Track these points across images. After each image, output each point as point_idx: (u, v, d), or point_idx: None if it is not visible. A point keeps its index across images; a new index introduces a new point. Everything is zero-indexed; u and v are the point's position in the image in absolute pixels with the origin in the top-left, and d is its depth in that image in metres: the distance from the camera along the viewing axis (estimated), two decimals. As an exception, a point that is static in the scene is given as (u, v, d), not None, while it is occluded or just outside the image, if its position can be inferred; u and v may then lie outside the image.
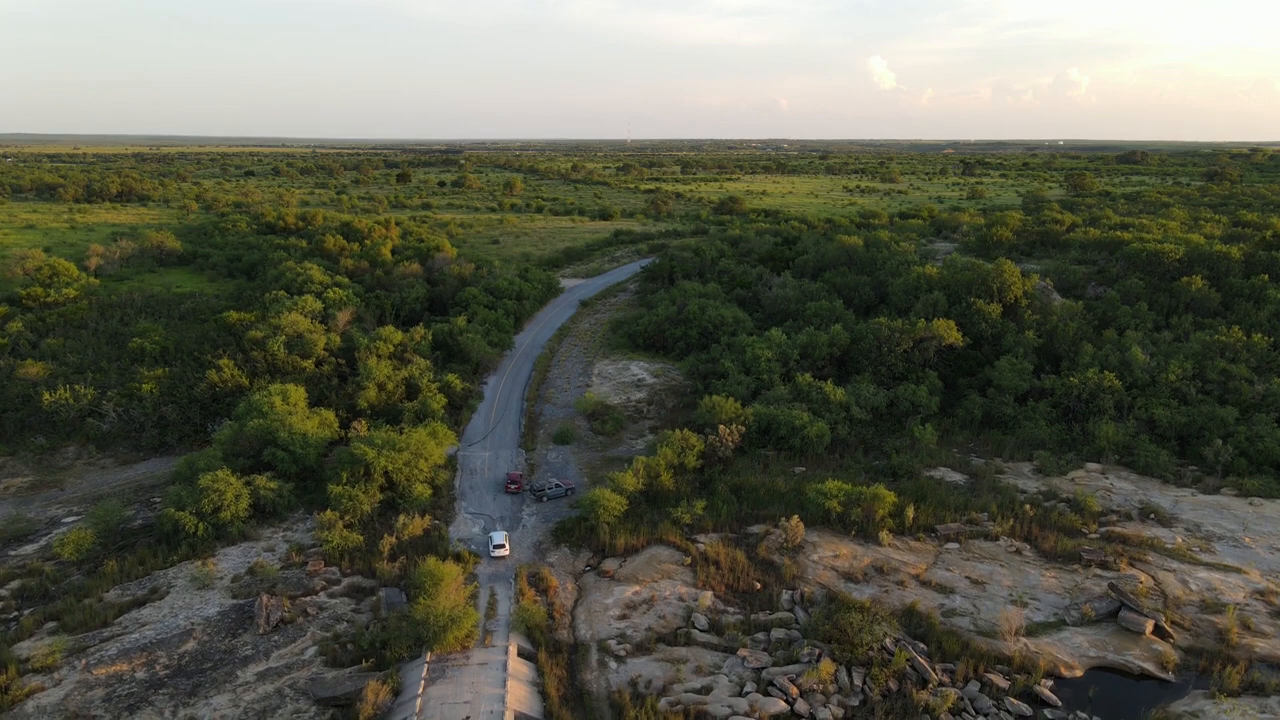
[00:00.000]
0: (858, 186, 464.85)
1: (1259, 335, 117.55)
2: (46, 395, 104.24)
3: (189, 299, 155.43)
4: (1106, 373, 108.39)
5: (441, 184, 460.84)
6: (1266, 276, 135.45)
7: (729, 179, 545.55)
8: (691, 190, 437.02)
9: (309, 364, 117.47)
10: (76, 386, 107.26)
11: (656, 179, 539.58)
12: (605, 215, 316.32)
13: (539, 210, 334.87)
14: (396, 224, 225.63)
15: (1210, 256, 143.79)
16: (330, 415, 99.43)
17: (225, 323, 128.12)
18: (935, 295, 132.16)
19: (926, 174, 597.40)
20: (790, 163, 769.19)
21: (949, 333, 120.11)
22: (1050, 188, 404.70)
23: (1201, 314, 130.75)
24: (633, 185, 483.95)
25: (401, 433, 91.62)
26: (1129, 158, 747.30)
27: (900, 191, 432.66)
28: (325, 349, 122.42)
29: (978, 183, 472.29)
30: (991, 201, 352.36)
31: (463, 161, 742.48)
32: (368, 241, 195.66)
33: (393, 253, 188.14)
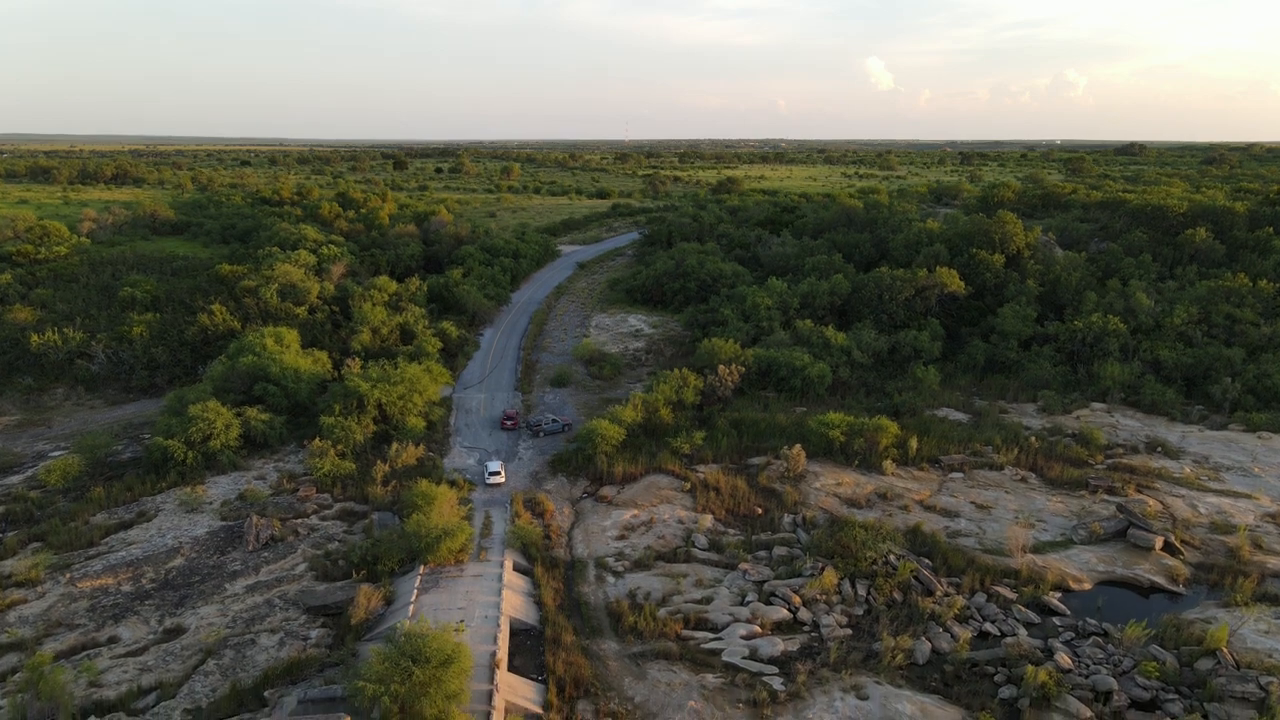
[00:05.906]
0: (856, 173, 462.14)
1: (1265, 281, 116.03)
2: (35, 337, 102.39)
3: (182, 260, 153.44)
4: (1111, 317, 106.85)
5: (439, 170, 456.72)
6: (1271, 229, 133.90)
7: (727, 167, 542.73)
8: (689, 175, 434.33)
9: (302, 310, 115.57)
10: (65, 329, 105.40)
11: (654, 167, 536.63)
12: (603, 195, 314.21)
13: (536, 190, 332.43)
14: (394, 200, 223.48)
15: (1214, 211, 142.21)
16: (323, 355, 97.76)
17: (218, 275, 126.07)
18: (937, 247, 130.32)
19: (925, 164, 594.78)
20: (788, 155, 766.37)
21: (951, 280, 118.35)
22: (1049, 174, 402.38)
23: (1206, 265, 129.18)
24: (630, 171, 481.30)
25: (396, 368, 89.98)
26: (1127, 150, 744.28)
27: (899, 177, 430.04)
28: (319, 297, 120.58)
29: (975, 170, 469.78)
30: (991, 184, 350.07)
31: (460, 153, 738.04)
32: (364, 209, 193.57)
33: (389, 218, 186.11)
